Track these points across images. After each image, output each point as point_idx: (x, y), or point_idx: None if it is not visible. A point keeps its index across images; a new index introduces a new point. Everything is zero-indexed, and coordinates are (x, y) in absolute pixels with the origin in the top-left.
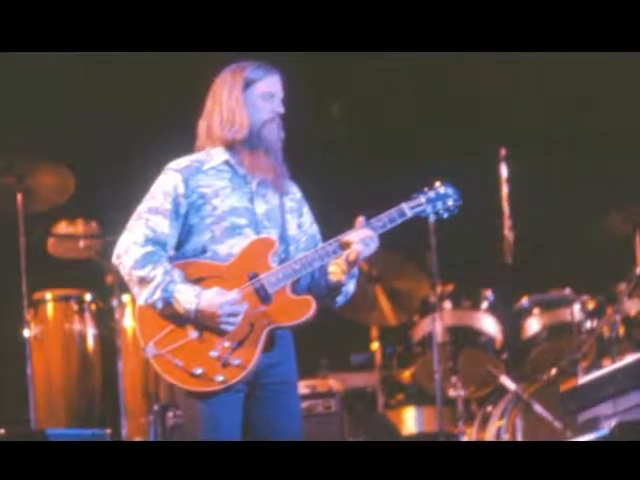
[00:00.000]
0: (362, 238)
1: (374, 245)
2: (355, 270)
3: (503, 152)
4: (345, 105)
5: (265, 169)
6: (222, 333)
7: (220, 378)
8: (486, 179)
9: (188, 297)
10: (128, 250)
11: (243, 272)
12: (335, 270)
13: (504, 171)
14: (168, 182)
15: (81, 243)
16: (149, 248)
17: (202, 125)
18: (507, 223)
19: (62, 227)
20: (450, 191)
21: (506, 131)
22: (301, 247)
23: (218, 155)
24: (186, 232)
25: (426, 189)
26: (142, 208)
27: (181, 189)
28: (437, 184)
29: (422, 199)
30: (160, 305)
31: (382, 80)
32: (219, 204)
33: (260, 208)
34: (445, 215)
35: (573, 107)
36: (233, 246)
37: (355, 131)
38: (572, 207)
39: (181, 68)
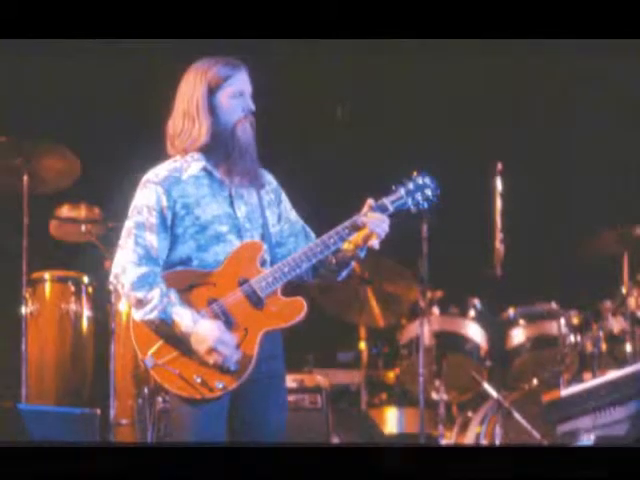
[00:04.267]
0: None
1: (386, 225)
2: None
3: (499, 167)
4: (340, 102)
5: (241, 173)
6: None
7: (220, 385)
8: (482, 192)
9: (186, 320)
10: (125, 270)
11: (233, 278)
12: (348, 247)
13: (499, 185)
14: (150, 196)
15: (83, 227)
16: (144, 269)
17: (168, 129)
18: (499, 236)
19: (65, 210)
20: (427, 181)
21: (503, 146)
22: (285, 235)
23: (195, 162)
24: (172, 242)
25: (405, 180)
26: (130, 224)
27: (164, 201)
28: (414, 174)
29: (402, 192)
30: (157, 323)
31: (377, 81)
32: (201, 213)
33: (240, 211)
34: (425, 205)
35: (570, 121)
36: (219, 254)
37: (344, 134)
38: (565, 224)
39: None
